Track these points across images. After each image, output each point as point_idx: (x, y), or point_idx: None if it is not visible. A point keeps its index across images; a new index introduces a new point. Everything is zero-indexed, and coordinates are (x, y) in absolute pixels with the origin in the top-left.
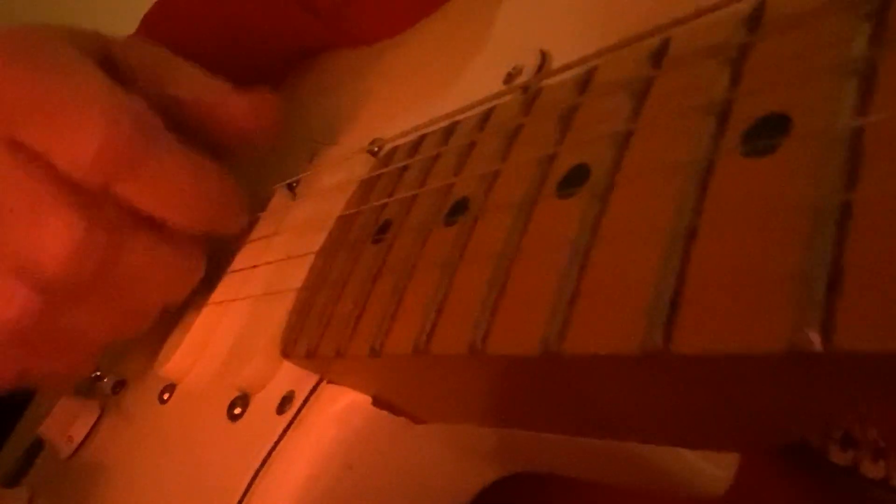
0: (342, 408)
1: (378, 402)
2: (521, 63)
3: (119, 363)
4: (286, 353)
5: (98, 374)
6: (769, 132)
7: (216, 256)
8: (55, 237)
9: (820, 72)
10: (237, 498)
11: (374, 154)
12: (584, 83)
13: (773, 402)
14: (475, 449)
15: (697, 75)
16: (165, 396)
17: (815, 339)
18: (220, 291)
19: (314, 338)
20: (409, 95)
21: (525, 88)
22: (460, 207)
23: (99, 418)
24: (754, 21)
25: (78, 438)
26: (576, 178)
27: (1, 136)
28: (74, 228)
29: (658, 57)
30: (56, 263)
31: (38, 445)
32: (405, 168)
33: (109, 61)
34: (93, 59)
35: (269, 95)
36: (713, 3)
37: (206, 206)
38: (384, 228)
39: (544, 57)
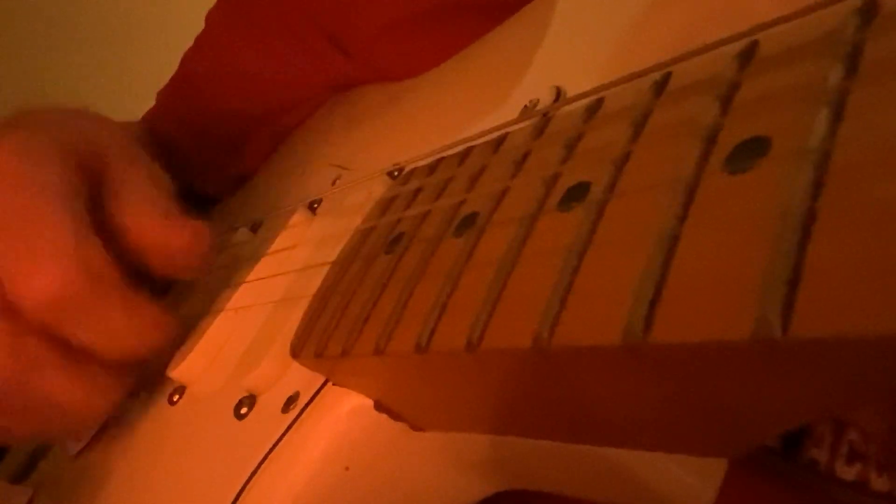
0: (344, 410)
1: (379, 406)
2: (537, 97)
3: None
4: (295, 353)
5: None
6: (751, 153)
7: (228, 267)
8: None
9: (799, 101)
10: (236, 490)
11: (393, 177)
12: (591, 112)
13: (748, 398)
14: (468, 462)
15: (692, 105)
16: (175, 398)
17: (776, 326)
18: (237, 299)
19: (323, 338)
20: (430, 128)
21: (543, 114)
22: (469, 221)
23: (109, 419)
24: (746, 58)
25: (86, 437)
26: (576, 194)
27: None
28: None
29: (659, 89)
30: None
31: (46, 444)
32: (421, 187)
33: (95, 168)
34: (79, 174)
35: (201, 230)
36: (711, 43)
37: (134, 344)
38: (397, 240)
39: (559, 92)
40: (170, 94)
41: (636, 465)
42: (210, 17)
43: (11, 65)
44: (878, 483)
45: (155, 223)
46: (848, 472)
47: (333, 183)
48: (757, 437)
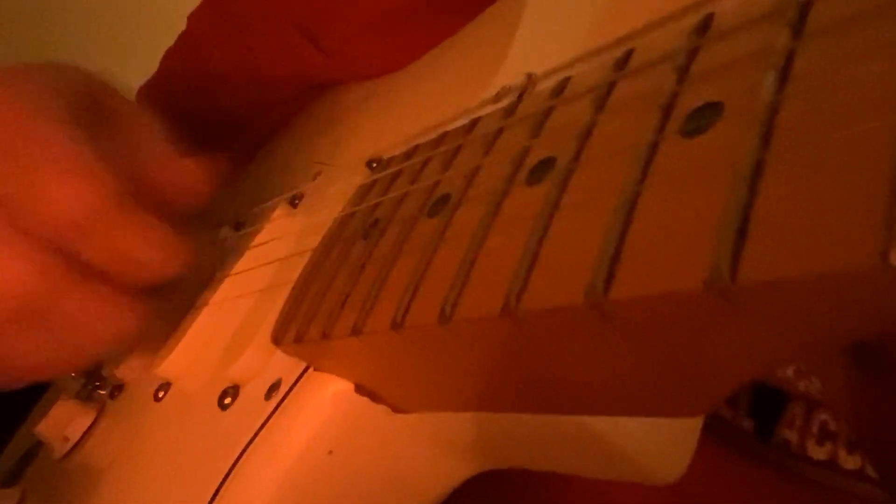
0: (326, 394)
1: (360, 390)
2: (510, 84)
3: (117, 369)
4: (276, 339)
5: (97, 384)
6: (705, 117)
7: (211, 263)
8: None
9: (749, 66)
10: (220, 478)
11: (372, 169)
12: (558, 91)
13: (709, 351)
14: (450, 442)
15: (651, 77)
16: (160, 395)
17: (725, 274)
18: (221, 292)
19: (303, 324)
20: (409, 122)
21: (505, 97)
22: (443, 201)
23: (95, 420)
24: (702, 31)
25: (73, 439)
26: (543, 169)
27: None
28: (22, 275)
29: (621, 65)
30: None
31: (37, 447)
32: (398, 173)
33: (96, 111)
34: (81, 114)
35: (211, 162)
36: (666, 16)
37: (153, 267)
38: (374, 225)
39: (530, 78)
40: (151, 92)
41: (613, 436)
42: (192, 18)
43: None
44: (849, 461)
45: (160, 154)
46: (819, 452)
47: (314, 178)
48: (722, 391)
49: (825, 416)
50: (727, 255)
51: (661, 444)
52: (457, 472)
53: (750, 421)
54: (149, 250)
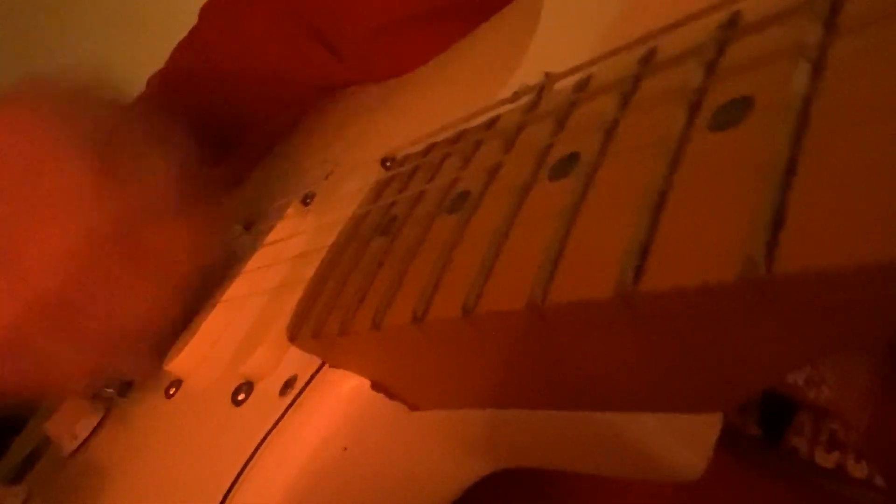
0: (342, 390)
1: (376, 386)
2: (527, 83)
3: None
4: (292, 335)
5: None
6: (735, 111)
7: (223, 262)
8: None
9: (780, 60)
10: (235, 474)
11: (385, 167)
12: (580, 87)
13: (739, 345)
14: (465, 440)
15: (678, 73)
16: (171, 391)
17: (761, 265)
18: (232, 291)
19: (320, 319)
20: (423, 123)
21: (530, 94)
22: (463, 198)
23: (104, 418)
24: (729, 27)
25: (82, 436)
26: (567, 164)
27: None
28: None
29: (646, 61)
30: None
31: (43, 445)
32: (415, 169)
33: (103, 139)
34: (89, 144)
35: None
36: (694, 13)
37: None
38: (392, 221)
39: (549, 76)
40: (161, 85)
41: (631, 432)
42: (204, 13)
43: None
44: (857, 470)
45: (160, 215)
46: (827, 460)
47: (326, 177)
48: (750, 386)
49: (834, 425)
50: (761, 247)
51: (681, 441)
52: (472, 470)
53: (758, 428)
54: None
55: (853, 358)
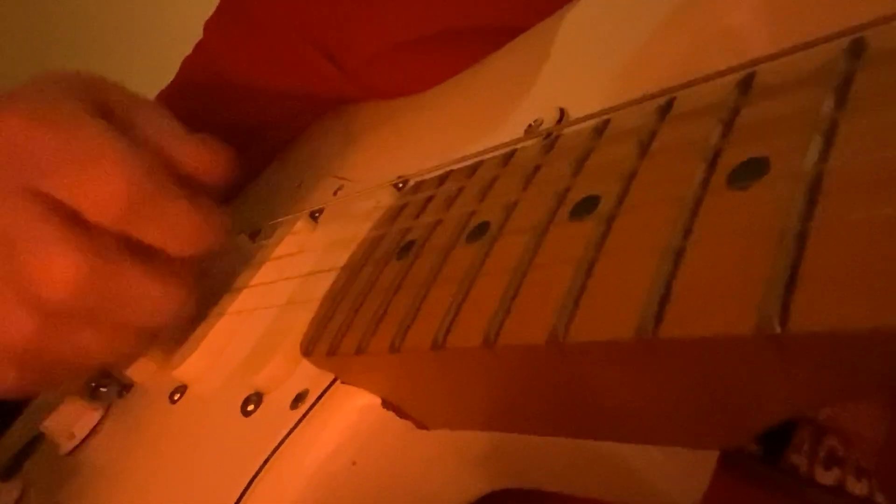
0: (354, 406)
1: (387, 404)
2: (542, 117)
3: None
4: (307, 351)
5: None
6: (751, 172)
7: (229, 273)
8: (62, 272)
9: (795, 127)
10: (244, 484)
11: (398, 189)
12: (599, 131)
13: (750, 390)
14: (471, 459)
15: (695, 127)
16: (176, 397)
17: (775, 322)
18: (239, 303)
19: (336, 337)
20: (432, 144)
21: (547, 135)
22: (481, 230)
23: (102, 418)
24: (745, 87)
25: (80, 435)
26: (587, 207)
27: (25, 186)
28: (80, 266)
29: (664, 112)
30: (59, 293)
31: (37, 440)
32: (431, 197)
33: (107, 108)
34: (98, 113)
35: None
36: (713, 73)
37: (200, 235)
38: (408, 247)
39: (562, 113)
40: (169, 98)
41: (633, 461)
42: (209, 26)
43: (9, 65)
44: (857, 487)
45: (178, 136)
46: (826, 477)
47: (335, 193)
48: (754, 428)
49: (833, 442)
50: (776, 305)
51: (680, 470)
52: (476, 487)
53: (758, 446)
54: (193, 222)
55: None
